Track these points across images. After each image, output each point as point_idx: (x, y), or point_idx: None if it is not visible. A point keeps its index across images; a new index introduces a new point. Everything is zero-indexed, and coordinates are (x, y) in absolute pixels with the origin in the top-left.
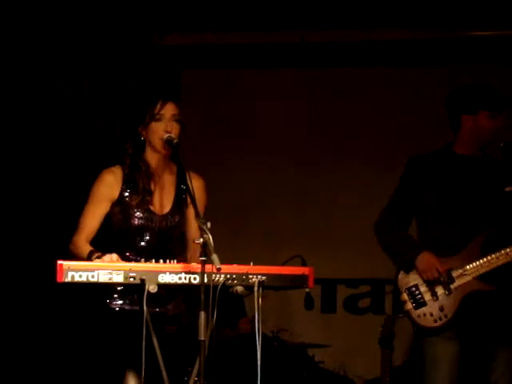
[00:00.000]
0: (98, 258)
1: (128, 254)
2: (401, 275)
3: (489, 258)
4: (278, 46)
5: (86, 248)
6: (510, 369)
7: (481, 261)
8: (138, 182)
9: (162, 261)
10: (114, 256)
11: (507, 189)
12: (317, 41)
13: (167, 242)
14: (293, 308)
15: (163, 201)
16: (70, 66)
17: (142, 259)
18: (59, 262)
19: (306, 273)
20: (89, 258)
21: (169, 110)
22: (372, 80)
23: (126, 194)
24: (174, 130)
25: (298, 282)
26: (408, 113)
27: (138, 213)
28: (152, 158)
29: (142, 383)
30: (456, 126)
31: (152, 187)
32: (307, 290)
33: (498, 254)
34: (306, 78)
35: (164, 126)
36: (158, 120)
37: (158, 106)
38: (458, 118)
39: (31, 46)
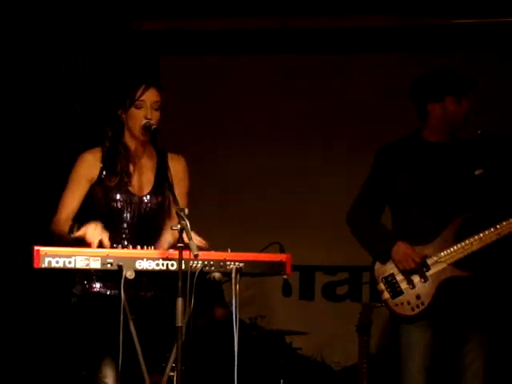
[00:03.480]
0: (79, 228)
1: (109, 235)
2: (377, 265)
3: (463, 243)
4: (258, 32)
5: (66, 225)
6: (483, 352)
7: (455, 247)
8: (117, 164)
9: (139, 247)
10: (99, 224)
11: (477, 172)
12: (298, 27)
13: (149, 223)
14: (271, 295)
15: (142, 182)
16: (47, 51)
17: (120, 245)
18: (36, 247)
19: (284, 259)
20: (71, 232)
21: (150, 96)
22: (355, 66)
23: (105, 174)
24: (153, 118)
25: (275, 268)
26: (390, 100)
27: (117, 195)
28: (131, 142)
29: (118, 369)
30: (423, 114)
31: (131, 169)
32: (285, 276)
33: (471, 239)
34: (288, 64)
35: (144, 113)
36: (139, 106)
37: (140, 92)
38: (424, 106)
39: (8, 30)
